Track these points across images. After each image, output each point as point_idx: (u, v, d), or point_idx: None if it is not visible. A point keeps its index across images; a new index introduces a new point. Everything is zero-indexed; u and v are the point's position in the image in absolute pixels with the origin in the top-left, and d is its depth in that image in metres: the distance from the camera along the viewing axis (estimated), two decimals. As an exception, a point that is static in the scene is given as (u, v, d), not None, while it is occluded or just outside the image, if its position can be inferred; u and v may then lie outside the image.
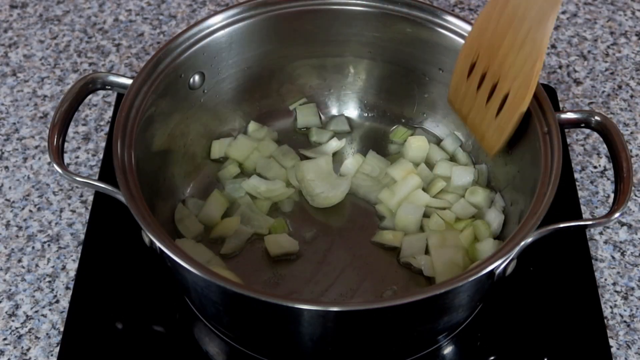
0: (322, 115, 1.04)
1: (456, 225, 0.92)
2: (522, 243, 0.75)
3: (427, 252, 0.90)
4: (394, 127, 1.02)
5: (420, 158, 0.98)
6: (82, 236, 0.95)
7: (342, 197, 0.95)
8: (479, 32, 0.86)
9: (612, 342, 0.87)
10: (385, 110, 1.03)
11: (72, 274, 0.92)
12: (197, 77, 0.93)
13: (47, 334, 0.88)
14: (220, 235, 0.92)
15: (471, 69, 0.87)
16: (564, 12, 1.23)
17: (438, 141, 1.00)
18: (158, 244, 0.73)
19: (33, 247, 0.94)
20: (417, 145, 0.98)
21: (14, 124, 1.07)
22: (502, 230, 0.91)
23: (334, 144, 1.00)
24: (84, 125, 1.07)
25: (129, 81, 0.86)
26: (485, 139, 0.89)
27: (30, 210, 0.98)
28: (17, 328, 0.88)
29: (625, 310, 0.90)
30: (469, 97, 0.89)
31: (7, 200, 0.99)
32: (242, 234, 0.92)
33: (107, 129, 1.06)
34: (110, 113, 1.08)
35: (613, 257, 0.95)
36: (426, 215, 0.93)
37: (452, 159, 0.99)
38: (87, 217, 0.96)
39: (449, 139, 0.99)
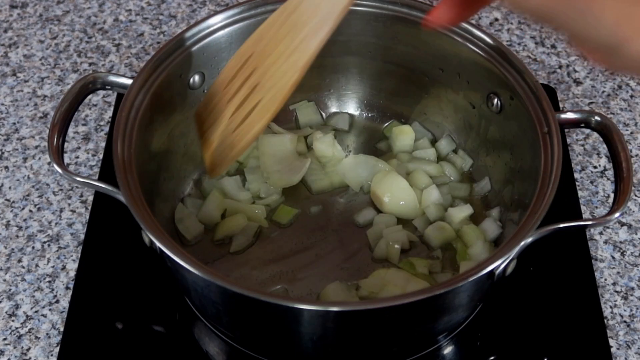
0: (322, 114, 1.04)
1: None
2: (522, 243, 0.75)
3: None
4: (387, 123, 1.02)
5: (407, 147, 0.99)
6: (82, 236, 0.95)
7: (297, 180, 0.95)
8: (257, 38, 0.78)
9: (612, 342, 0.87)
10: (385, 111, 1.03)
11: (72, 274, 0.92)
12: (197, 77, 0.92)
13: (47, 334, 0.88)
14: (226, 235, 0.92)
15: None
16: (564, 12, 1.23)
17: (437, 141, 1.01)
18: (158, 244, 0.73)
19: (33, 247, 0.94)
20: (402, 135, 0.98)
21: (14, 124, 1.07)
22: (502, 232, 0.91)
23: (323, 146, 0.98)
24: (84, 125, 1.07)
25: (129, 81, 0.86)
26: (213, 157, 0.81)
27: (30, 210, 0.98)
28: (17, 328, 0.88)
29: (625, 310, 0.90)
30: (219, 107, 0.80)
31: (7, 200, 0.99)
32: (249, 229, 0.92)
33: (107, 129, 1.06)
34: (110, 113, 1.08)
35: (613, 257, 0.95)
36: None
37: (449, 161, 0.99)
38: (87, 217, 0.96)
39: (444, 141, 1.00)
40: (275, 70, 0.75)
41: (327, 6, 0.72)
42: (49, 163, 1.02)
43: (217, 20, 0.91)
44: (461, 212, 0.92)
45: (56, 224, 0.97)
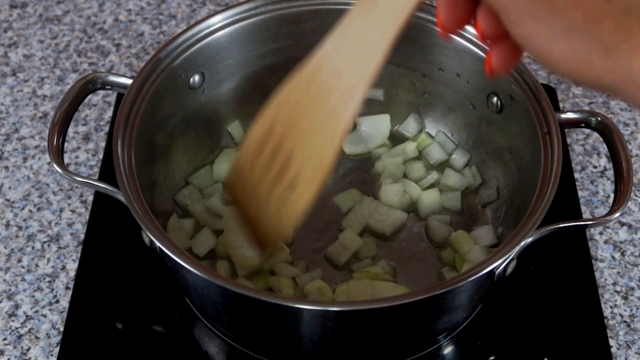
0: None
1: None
2: (522, 243, 0.75)
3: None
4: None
5: (381, 136, 0.99)
6: (82, 236, 0.95)
7: (263, 261, 0.88)
8: (276, 108, 0.73)
9: (612, 342, 0.87)
10: (384, 111, 1.03)
11: (72, 274, 0.92)
12: (197, 77, 0.93)
13: (47, 334, 0.88)
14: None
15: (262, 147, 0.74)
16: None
17: (438, 141, 1.01)
18: (158, 244, 0.73)
19: (33, 247, 0.94)
20: (374, 126, 0.99)
21: (14, 124, 1.07)
22: (501, 232, 0.91)
23: None
24: (84, 125, 1.07)
25: (129, 81, 0.86)
26: (260, 230, 0.76)
27: (30, 210, 0.98)
28: (17, 328, 0.88)
29: (625, 310, 0.90)
30: (251, 180, 0.75)
31: (7, 200, 0.99)
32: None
33: (107, 129, 1.06)
34: (110, 113, 1.08)
35: (613, 257, 0.95)
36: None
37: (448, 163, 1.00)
38: (87, 217, 0.96)
39: (459, 152, 0.99)
40: (310, 141, 0.70)
41: (353, 75, 0.68)
42: (49, 163, 1.02)
43: (217, 20, 0.91)
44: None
45: (56, 224, 0.97)
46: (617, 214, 0.77)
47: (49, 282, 0.91)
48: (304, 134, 0.70)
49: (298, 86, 0.71)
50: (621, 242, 0.96)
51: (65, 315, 0.88)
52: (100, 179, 0.93)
